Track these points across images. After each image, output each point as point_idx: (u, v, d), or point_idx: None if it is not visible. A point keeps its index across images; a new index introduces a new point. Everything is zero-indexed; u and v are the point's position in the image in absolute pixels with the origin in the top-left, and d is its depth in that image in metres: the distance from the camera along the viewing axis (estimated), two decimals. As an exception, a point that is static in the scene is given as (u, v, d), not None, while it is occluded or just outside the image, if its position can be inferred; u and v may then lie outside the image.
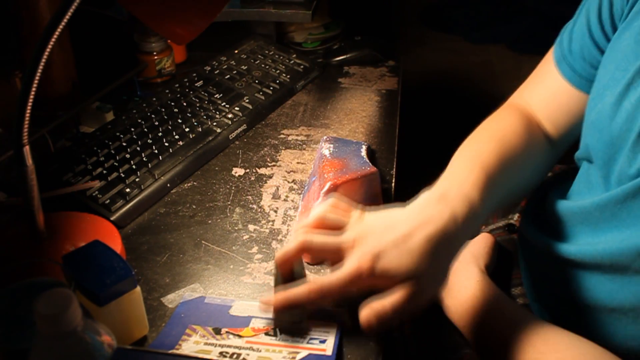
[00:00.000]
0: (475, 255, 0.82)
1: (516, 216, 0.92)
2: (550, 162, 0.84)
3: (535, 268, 0.82)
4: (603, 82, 0.70)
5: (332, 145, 0.84)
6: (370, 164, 0.80)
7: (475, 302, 0.74)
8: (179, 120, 0.94)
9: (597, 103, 0.70)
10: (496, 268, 0.84)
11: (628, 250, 0.63)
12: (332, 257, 0.64)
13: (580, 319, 0.72)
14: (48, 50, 0.59)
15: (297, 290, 0.62)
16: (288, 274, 0.66)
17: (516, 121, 0.80)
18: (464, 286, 0.76)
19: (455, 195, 0.66)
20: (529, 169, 0.80)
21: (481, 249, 0.83)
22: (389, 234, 0.62)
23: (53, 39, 0.59)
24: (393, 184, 0.88)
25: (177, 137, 0.91)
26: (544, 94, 0.82)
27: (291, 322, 0.65)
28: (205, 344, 0.63)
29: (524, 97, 0.84)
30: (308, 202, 0.76)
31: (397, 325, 0.86)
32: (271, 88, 1.04)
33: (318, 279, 0.62)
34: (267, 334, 0.64)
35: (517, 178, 0.77)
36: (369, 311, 0.61)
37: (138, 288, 0.62)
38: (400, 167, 0.93)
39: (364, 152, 0.82)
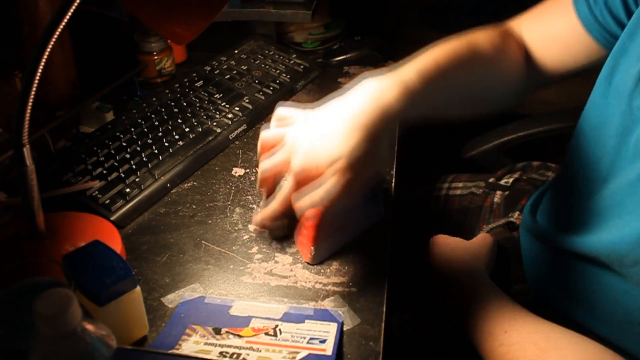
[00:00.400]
0: (475, 256, 0.82)
1: (516, 214, 0.92)
2: (524, 87, 0.83)
3: (537, 263, 0.82)
4: (633, 53, 0.68)
5: None
6: None
7: (475, 301, 0.74)
8: (179, 120, 0.94)
9: (620, 70, 0.68)
10: (496, 267, 0.84)
11: (629, 237, 0.62)
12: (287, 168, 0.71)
13: (583, 311, 0.72)
14: (48, 50, 0.59)
15: (271, 206, 0.72)
16: (271, 192, 0.76)
17: (496, 35, 0.80)
18: (464, 286, 0.76)
19: (390, 78, 0.67)
20: (496, 78, 0.80)
21: (480, 249, 0.83)
22: (315, 125, 0.68)
23: (53, 39, 0.59)
24: (393, 184, 0.88)
25: (177, 137, 0.91)
26: (549, 30, 0.81)
27: (281, 233, 0.77)
28: (205, 344, 0.63)
29: (520, 26, 0.83)
30: None
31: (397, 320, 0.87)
32: (271, 88, 1.04)
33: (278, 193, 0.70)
34: (267, 334, 0.64)
35: (479, 80, 0.78)
36: (306, 202, 0.66)
37: (138, 288, 0.62)
38: (400, 167, 0.93)
39: None
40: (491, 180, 1.02)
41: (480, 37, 0.79)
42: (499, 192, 1.00)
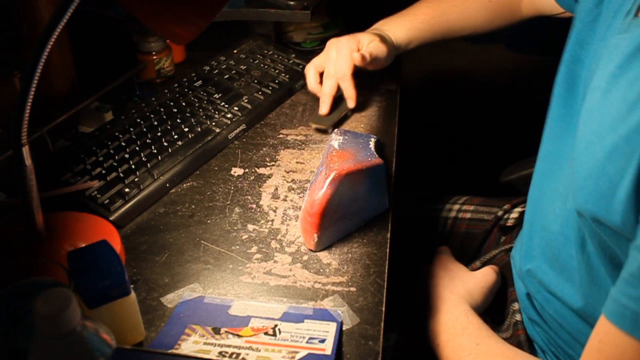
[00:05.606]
0: (470, 292, 0.83)
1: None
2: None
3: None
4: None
5: (341, 137, 0.84)
6: (376, 155, 0.80)
7: (462, 337, 0.76)
8: (178, 120, 0.94)
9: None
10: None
11: None
12: None
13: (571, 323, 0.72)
14: (47, 50, 0.59)
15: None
16: None
17: None
18: (454, 322, 0.78)
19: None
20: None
21: (477, 288, 0.84)
22: None
23: (52, 39, 0.59)
24: (392, 183, 0.88)
25: (176, 137, 0.91)
26: None
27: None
28: (205, 343, 0.63)
29: None
30: (313, 192, 0.77)
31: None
32: (270, 88, 1.04)
33: None
34: (266, 333, 0.64)
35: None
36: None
37: (133, 295, 0.61)
38: (400, 167, 0.93)
39: (372, 145, 0.83)
40: (506, 206, 1.01)
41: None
42: (510, 221, 0.99)
